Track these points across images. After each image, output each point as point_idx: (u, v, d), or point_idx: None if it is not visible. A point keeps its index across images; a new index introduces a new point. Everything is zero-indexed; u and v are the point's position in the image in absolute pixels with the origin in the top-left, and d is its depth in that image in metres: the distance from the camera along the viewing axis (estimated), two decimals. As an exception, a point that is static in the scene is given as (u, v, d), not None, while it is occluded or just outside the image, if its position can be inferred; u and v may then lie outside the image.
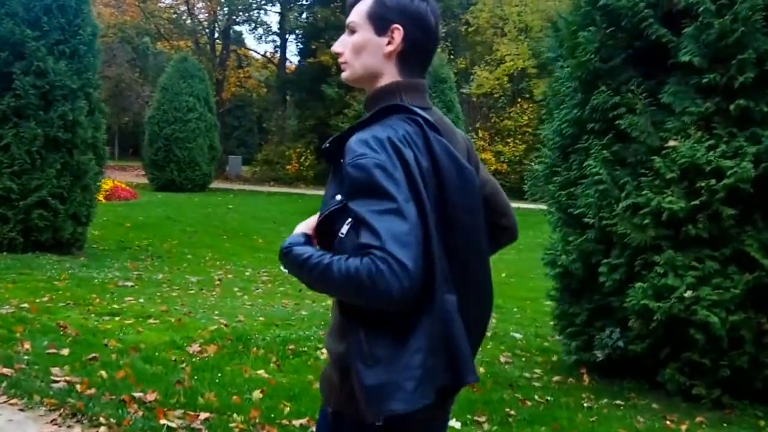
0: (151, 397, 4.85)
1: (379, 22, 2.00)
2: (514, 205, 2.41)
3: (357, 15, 2.05)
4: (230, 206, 23.77)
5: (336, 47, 2.09)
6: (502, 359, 6.94)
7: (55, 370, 5.41)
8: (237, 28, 45.19)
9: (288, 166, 36.87)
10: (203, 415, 4.61)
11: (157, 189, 28.25)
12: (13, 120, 11.96)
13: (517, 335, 8.36)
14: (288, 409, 4.85)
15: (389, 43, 2.00)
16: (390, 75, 2.02)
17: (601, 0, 6.06)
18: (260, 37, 49.60)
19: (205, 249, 15.88)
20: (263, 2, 41.37)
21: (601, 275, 5.82)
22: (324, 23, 36.03)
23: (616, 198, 5.70)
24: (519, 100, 34.55)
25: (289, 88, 39.98)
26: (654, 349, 5.67)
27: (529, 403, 5.42)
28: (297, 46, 41.63)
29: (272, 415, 4.71)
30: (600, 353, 6.00)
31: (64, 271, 10.50)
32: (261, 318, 8.04)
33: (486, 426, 4.86)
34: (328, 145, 1.94)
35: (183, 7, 41.94)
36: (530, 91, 34.24)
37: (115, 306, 8.09)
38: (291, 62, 43.80)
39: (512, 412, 5.11)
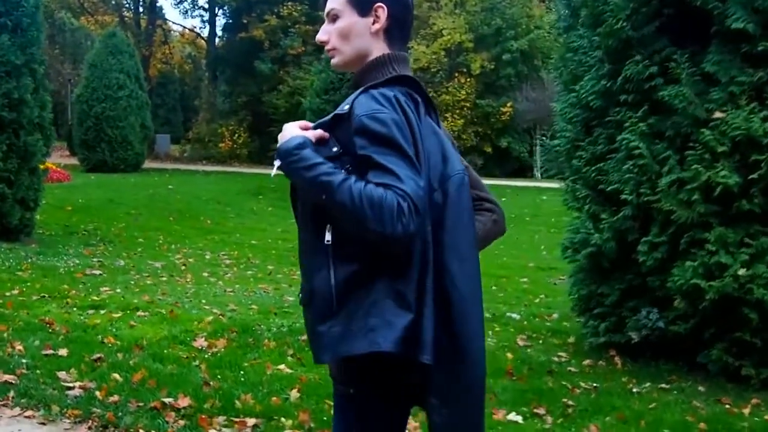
0: (183, 402, 4.39)
1: (362, 4, 2.05)
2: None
3: (336, 2, 2.08)
4: (170, 186, 22.96)
5: (321, 36, 2.13)
6: (520, 342, 6.66)
7: (61, 374, 4.89)
8: (162, 1, 43.70)
9: (221, 144, 35.95)
10: (250, 422, 4.19)
11: (89, 170, 27.10)
12: (-48, 99, 11.12)
13: (515, 315, 8.13)
14: (335, 409, 4.44)
15: (375, 21, 2.05)
16: (378, 50, 2.07)
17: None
18: (186, 12, 47.97)
19: (155, 232, 15.21)
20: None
21: (640, 254, 5.55)
22: (255, -4, 35.15)
23: (656, 173, 5.42)
24: (456, 74, 34.31)
25: (219, 64, 38.89)
26: (698, 330, 5.43)
27: (578, 391, 5.13)
28: (226, 20, 40.24)
29: (324, 418, 4.29)
30: (635, 335, 5.75)
31: (22, 260, 9.82)
32: (254, 306, 7.59)
33: (548, 419, 4.54)
34: (347, 108, 1.92)
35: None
36: (467, 66, 34.05)
37: (95, 298, 7.51)
38: (219, 37, 42.46)
39: (570, 403, 4.81)
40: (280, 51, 34.76)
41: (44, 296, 7.42)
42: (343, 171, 1.80)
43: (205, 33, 44.18)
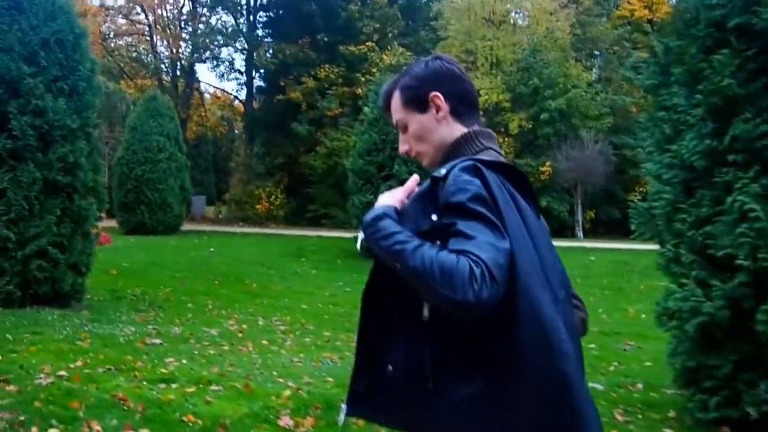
0: (289, 493, 4.03)
1: (418, 103, 2.09)
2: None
3: (398, 112, 2.14)
4: (212, 249, 22.80)
5: (402, 149, 2.18)
6: (619, 417, 6.24)
7: (148, 459, 4.55)
8: (200, 65, 44.27)
9: (258, 206, 35.89)
10: None
11: (127, 232, 27.09)
12: (9, 163, 10.97)
13: (598, 386, 7.71)
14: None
15: (438, 110, 2.08)
16: (457, 130, 2.09)
17: (731, 20, 5.49)
18: (222, 75, 48.51)
19: (202, 296, 14.96)
20: (229, 39, 40.45)
21: (759, 323, 5.15)
22: (293, 60, 35.34)
23: (775, 236, 5.06)
24: (494, 134, 34.10)
25: (256, 126, 39.10)
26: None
27: (705, 478, 4.71)
28: (263, 83, 40.41)
29: None
30: (753, 410, 5.31)
31: (78, 328, 9.54)
32: (329, 378, 7.21)
33: None
34: (443, 172, 1.88)
35: (145, 46, 40.81)
36: (505, 125, 33.94)
37: (163, 370, 7.19)
38: (256, 99, 42.56)
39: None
40: (317, 112, 34.86)
41: (110, 368, 7.11)
42: (418, 239, 1.76)
43: (242, 95, 44.56)
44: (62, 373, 6.72)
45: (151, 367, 7.32)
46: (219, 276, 18.13)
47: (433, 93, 2.08)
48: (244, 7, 40.91)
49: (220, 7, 40.36)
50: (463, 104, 2.12)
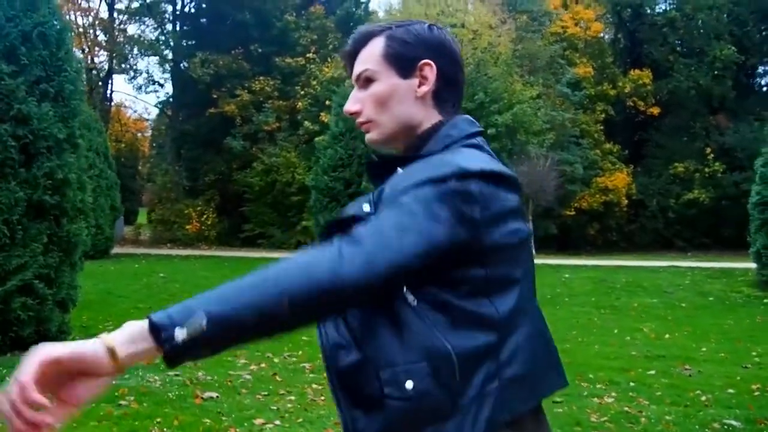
0: None
1: (403, 63, 1.68)
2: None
3: (369, 61, 1.68)
4: (162, 275, 20.85)
5: (350, 106, 1.72)
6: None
7: None
8: (117, 77, 41.68)
9: (188, 226, 33.73)
10: None
11: (55, 257, 24.71)
12: (-15, 180, 9.12)
13: (734, 422, 6.79)
14: None
15: (421, 83, 1.68)
16: (431, 118, 1.69)
17: None
18: (140, 87, 45.87)
19: (183, 330, 13.20)
20: (155, 48, 38.11)
21: None
22: (226, 71, 33.47)
23: None
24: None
25: (184, 141, 36.87)
26: None
27: None
28: (192, 95, 38.08)
29: None
30: None
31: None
32: None
33: None
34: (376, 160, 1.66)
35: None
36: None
37: (270, 440, 5.67)
38: (180, 114, 40.16)
39: None
40: (253, 127, 33.11)
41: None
42: None
43: (165, 107, 42.12)
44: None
45: (249, 435, 5.77)
46: (187, 306, 16.37)
47: (427, 60, 1.67)
48: (169, 14, 38.77)
49: (141, 15, 38.07)
50: (451, 91, 1.71)
